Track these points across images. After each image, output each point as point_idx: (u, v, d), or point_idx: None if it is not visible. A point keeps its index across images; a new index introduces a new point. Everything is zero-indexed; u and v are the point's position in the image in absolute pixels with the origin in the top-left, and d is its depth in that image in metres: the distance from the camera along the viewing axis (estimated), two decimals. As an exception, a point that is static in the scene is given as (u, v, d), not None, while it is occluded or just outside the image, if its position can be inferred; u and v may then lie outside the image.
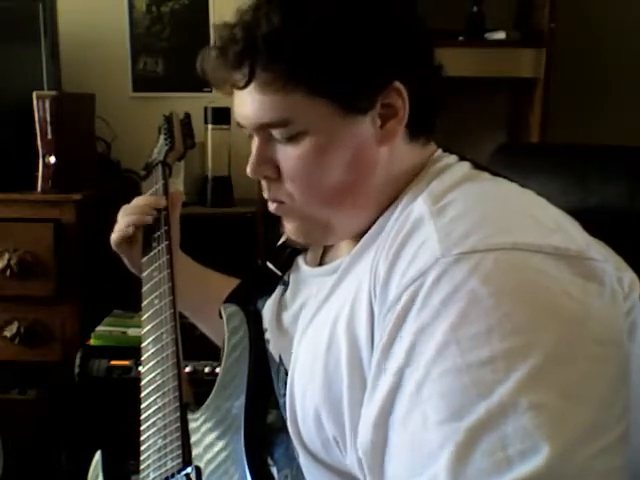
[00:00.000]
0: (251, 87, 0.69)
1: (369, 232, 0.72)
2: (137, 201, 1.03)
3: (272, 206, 0.76)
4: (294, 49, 0.66)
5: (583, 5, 2.29)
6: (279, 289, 0.87)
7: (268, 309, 0.86)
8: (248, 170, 0.74)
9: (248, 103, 0.70)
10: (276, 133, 0.70)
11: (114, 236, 1.01)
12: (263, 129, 0.71)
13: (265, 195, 0.76)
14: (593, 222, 0.65)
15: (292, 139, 0.69)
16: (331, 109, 0.68)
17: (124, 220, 1.00)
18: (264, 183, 0.75)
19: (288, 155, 0.70)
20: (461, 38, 2.13)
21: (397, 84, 0.68)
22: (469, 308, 0.54)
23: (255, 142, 0.73)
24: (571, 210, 0.67)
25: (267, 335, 0.84)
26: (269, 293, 0.88)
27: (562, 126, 2.14)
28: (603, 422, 0.52)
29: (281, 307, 0.85)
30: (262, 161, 0.73)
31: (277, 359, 0.80)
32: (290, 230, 0.77)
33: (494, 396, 0.51)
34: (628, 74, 2.34)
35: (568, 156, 1.08)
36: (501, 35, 2.11)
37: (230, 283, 0.97)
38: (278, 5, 0.67)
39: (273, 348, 0.82)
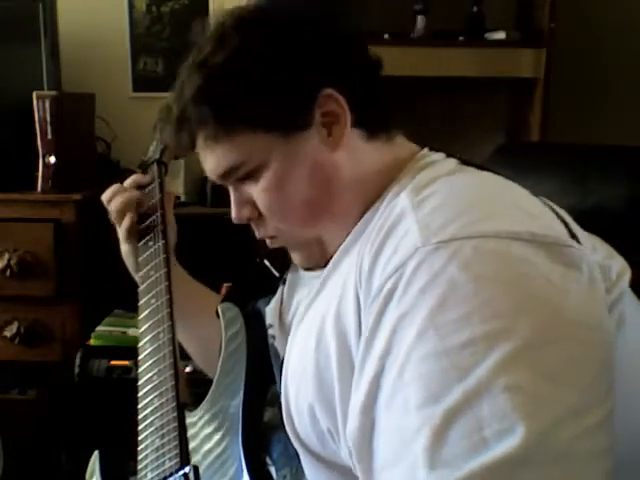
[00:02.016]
0: (200, 146, 0.74)
1: (354, 229, 0.73)
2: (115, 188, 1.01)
3: (268, 243, 0.79)
4: (217, 97, 0.71)
5: (583, 5, 2.29)
6: (281, 288, 0.88)
7: (272, 307, 0.87)
8: (233, 218, 0.78)
9: (205, 160, 0.75)
10: (237, 176, 0.74)
11: (124, 229, 0.99)
12: (225, 178, 0.75)
13: (257, 236, 0.79)
14: (593, 222, 0.65)
15: (252, 177, 0.73)
16: (272, 137, 0.71)
17: (124, 225, 0.99)
18: (252, 225, 0.79)
19: (256, 192, 0.74)
20: (461, 38, 2.13)
21: (327, 91, 0.70)
22: (448, 294, 0.55)
23: (230, 192, 0.77)
24: (571, 210, 0.67)
25: (272, 331, 0.85)
26: (270, 292, 0.89)
27: (562, 126, 2.14)
28: (583, 405, 0.52)
29: (283, 305, 0.86)
30: (241, 206, 0.77)
31: (281, 356, 0.81)
32: (296, 260, 0.81)
33: (471, 378, 0.51)
34: (628, 74, 2.34)
35: (568, 156, 1.08)
36: (501, 35, 2.12)
37: (218, 298, 0.97)
38: (195, 66, 0.73)
39: (278, 345, 0.83)
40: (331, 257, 0.78)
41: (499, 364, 0.51)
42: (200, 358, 1.07)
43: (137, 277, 0.98)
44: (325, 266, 0.82)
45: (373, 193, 0.72)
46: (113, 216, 1.00)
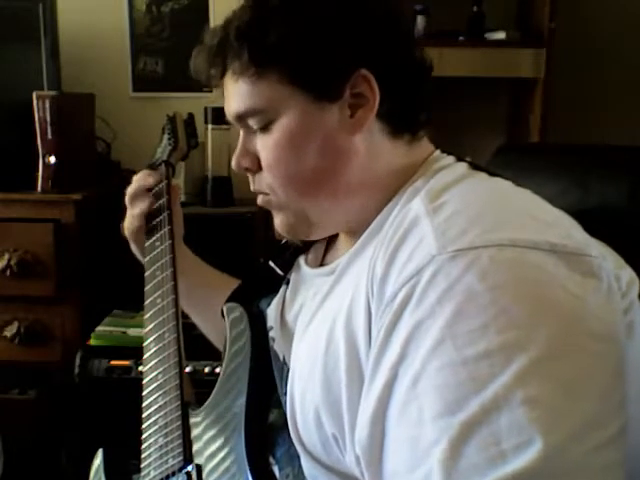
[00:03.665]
0: (227, 78, 0.73)
1: (367, 232, 0.72)
2: (138, 183, 1.04)
3: (259, 199, 0.78)
4: (259, 37, 0.70)
5: (583, 5, 2.30)
6: (283, 288, 0.88)
7: (273, 308, 0.87)
8: (232, 163, 0.78)
9: (228, 96, 0.75)
10: (252, 123, 0.73)
11: (130, 226, 1.02)
12: (241, 120, 0.74)
13: (251, 188, 0.78)
14: (593, 222, 0.65)
15: (266, 128, 0.72)
16: (299, 96, 0.70)
17: (135, 210, 1.01)
18: (249, 176, 0.78)
19: (264, 144, 0.73)
20: (461, 38, 2.13)
21: (364, 72, 0.69)
22: (465, 304, 0.54)
23: (240, 136, 0.77)
24: (571, 210, 0.66)
25: (272, 333, 0.85)
26: (273, 292, 0.89)
27: (562, 126, 2.14)
28: (600, 417, 0.52)
29: (284, 306, 0.85)
30: (244, 153, 0.76)
31: (281, 358, 0.80)
32: (277, 224, 0.79)
33: (489, 390, 0.51)
34: (628, 74, 2.34)
35: (568, 156, 1.08)
36: (501, 35, 2.12)
37: (232, 282, 0.98)
38: (251, 3, 0.72)
39: (277, 347, 0.82)
40: (312, 238, 0.79)
41: (516, 377, 0.51)
42: (216, 339, 1.07)
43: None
44: (304, 244, 0.84)
45: (384, 192, 0.72)
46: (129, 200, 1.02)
